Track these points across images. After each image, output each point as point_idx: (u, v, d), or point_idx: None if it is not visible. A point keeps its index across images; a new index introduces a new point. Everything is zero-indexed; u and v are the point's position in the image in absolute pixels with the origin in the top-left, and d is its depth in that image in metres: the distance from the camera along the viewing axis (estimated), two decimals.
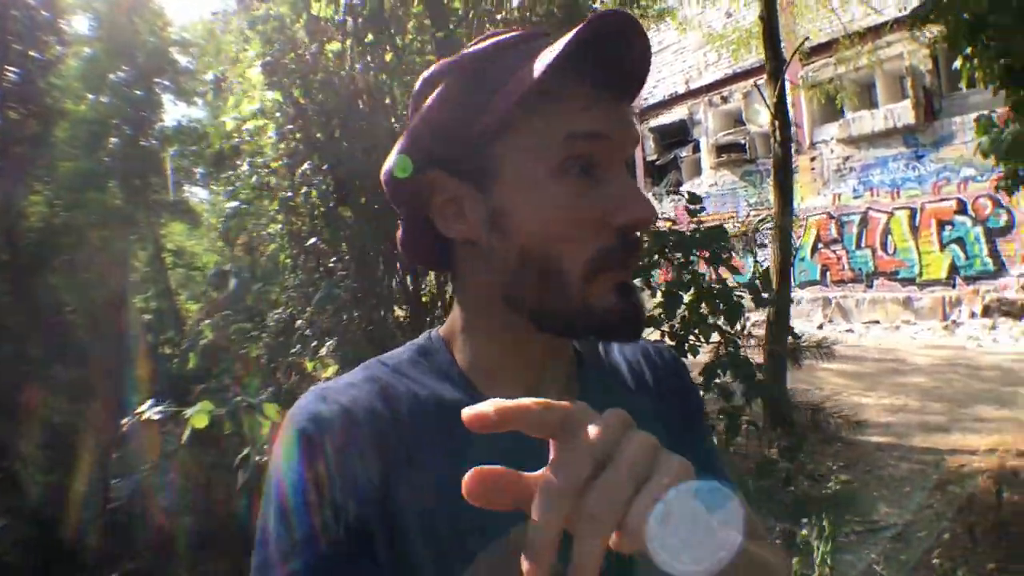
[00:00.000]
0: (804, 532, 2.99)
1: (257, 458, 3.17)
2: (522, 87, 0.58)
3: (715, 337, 2.40)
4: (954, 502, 4.43)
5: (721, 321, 2.17)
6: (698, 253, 2.28)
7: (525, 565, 0.35)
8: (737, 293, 2.21)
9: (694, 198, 2.55)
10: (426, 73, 0.67)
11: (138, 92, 12.23)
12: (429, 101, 0.64)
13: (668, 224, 2.69)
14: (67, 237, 10.16)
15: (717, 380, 2.37)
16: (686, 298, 2.18)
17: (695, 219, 2.49)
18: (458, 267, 0.68)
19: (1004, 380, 7.35)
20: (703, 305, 2.16)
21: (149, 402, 2.49)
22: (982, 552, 3.83)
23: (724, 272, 2.34)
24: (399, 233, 0.72)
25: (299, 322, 3.70)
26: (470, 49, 0.65)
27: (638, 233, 0.62)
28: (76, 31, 12.87)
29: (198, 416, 2.21)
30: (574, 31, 0.57)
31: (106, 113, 12.11)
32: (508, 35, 0.65)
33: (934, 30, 3.25)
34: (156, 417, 2.25)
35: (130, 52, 12.08)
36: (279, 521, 0.57)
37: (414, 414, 0.62)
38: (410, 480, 0.58)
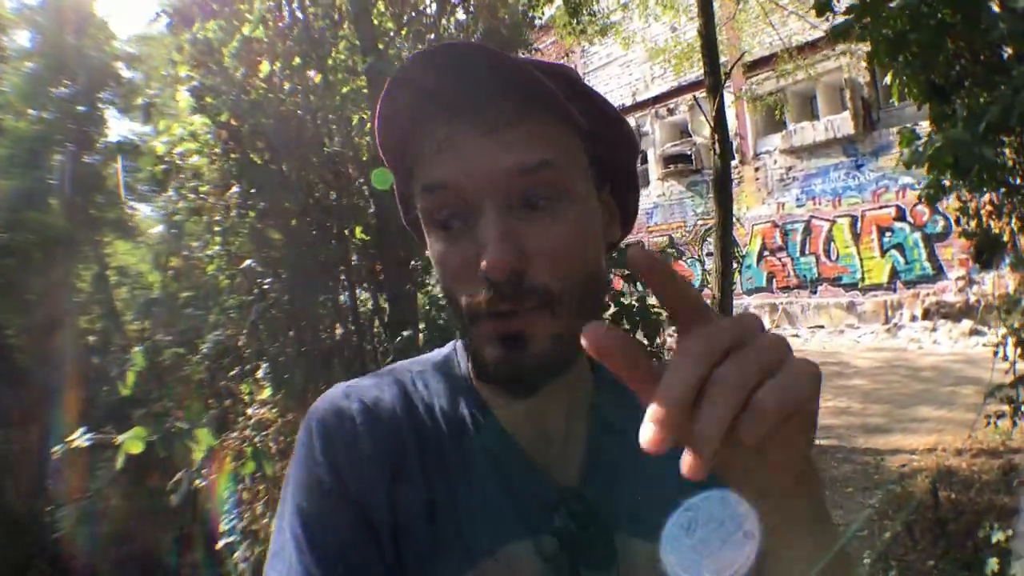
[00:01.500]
0: None
1: (196, 482, 3.09)
2: (379, 142, 0.62)
3: None
4: (894, 502, 4.55)
5: (640, 336, 2.22)
6: (614, 272, 2.33)
7: (654, 413, 0.36)
8: (656, 309, 2.26)
9: None
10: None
11: (81, 107, 11.90)
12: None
13: None
14: (7, 258, 9.82)
15: None
16: (606, 316, 2.23)
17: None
18: None
19: (942, 380, 7.59)
20: (624, 322, 2.20)
21: (80, 430, 2.41)
22: (921, 550, 3.95)
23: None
24: None
25: (240, 342, 3.64)
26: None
27: (502, 282, 0.55)
28: (17, 46, 12.50)
29: (132, 442, 2.16)
30: (380, 99, 0.59)
31: (48, 129, 11.77)
32: (401, 73, 0.59)
33: (863, 46, 3.36)
34: (86, 444, 2.18)
35: (73, 66, 11.77)
36: (294, 505, 0.59)
37: (429, 423, 0.64)
38: (419, 484, 0.60)
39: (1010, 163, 3.34)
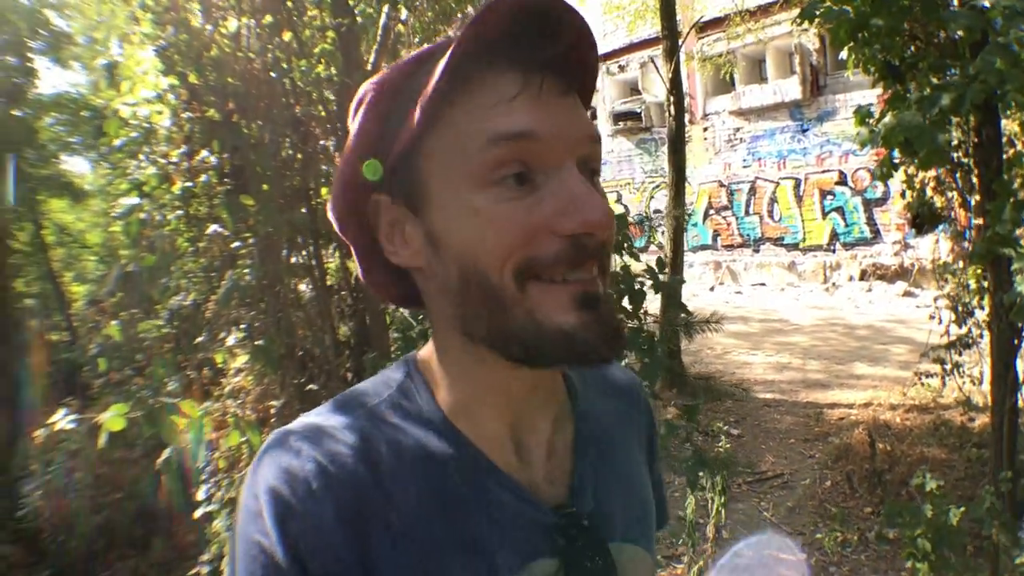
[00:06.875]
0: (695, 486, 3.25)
1: (177, 456, 3.08)
2: (429, 91, 0.53)
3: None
4: (833, 453, 4.85)
5: (626, 303, 2.31)
6: None
7: None
8: (640, 278, 2.35)
9: None
10: (360, 90, 0.61)
11: (11, 59, 11.10)
12: (355, 122, 0.59)
13: None
14: None
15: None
16: None
17: None
18: (423, 298, 0.62)
19: (877, 339, 8.03)
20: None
21: (62, 411, 2.35)
22: (860, 497, 4.25)
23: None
24: (360, 270, 0.66)
25: (208, 309, 3.59)
26: (395, 63, 0.60)
27: (589, 239, 0.53)
28: None
29: (114, 420, 2.12)
30: (483, 6, 0.51)
31: None
32: (432, 46, 0.59)
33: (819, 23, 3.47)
34: (70, 426, 2.14)
35: (1, 16, 10.93)
36: None
37: (397, 471, 0.55)
38: (398, 540, 0.53)
39: (956, 142, 3.54)
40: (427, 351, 0.63)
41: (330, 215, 0.62)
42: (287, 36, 3.40)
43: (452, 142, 0.54)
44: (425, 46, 0.61)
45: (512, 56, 0.53)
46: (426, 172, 0.55)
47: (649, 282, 2.42)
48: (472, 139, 0.53)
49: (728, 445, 4.87)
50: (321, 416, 0.58)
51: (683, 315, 3.20)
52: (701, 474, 3.27)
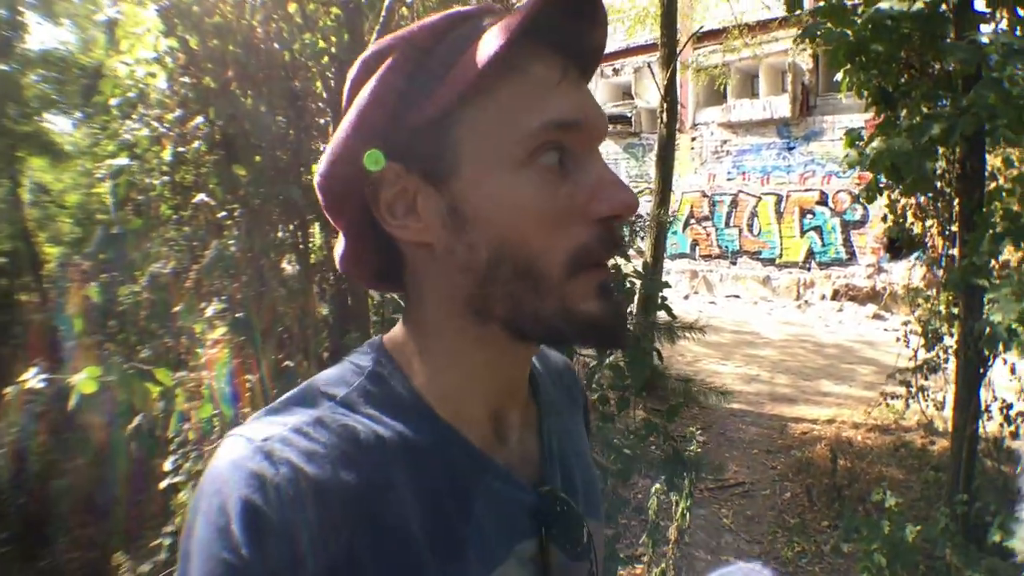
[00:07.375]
0: (658, 487, 3.30)
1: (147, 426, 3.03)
2: (486, 56, 0.49)
3: None
4: (795, 465, 4.95)
5: None
6: None
7: None
8: (631, 277, 2.37)
9: None
10: (371, 49, 0.57)
11: (1, 11, 10.75)
12: (374, 80, 0.54)
13: None
14: None
15: (608, 359, 2.57)
16: None
17: None
18: (412, 277, 0.58)
19: (844, 358, 8.19)
20: None
21: (33, 370, 2.30)
22: (818, 511, 4.34)
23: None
24: (338, 248, 0.61)
25: (189, 278, 3.54)
26: (421, 22, 0.56)
27: (617, 225, 0.55)
28: None
29: (86, 383, 2.08)
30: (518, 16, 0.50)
31: None
32: (464, 8, 0.57)
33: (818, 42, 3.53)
34: (40, 386, 2.09)
35: None
36: None
37: (380, 465, 0.51)
38: (383, 546, 0.49)
39: (939, 171, 3.63)
40: (398, 335, 0.60)
41: (318, 178, 0.57)
42: (292, 7, 3.37)
43: (496, 117, 0.52)
44: (453, 8, 0.58)
45: (558, 41, 0.53)
46: (458, 144, 0.52)
47: (638, 283, 2.46)
48: (522, 118, 0.51)
49: (699, 449, 4.94)
50: (285, 411, 0.52)
51: (669, 318, 3.24)
52: (663, 476, 3.31)
